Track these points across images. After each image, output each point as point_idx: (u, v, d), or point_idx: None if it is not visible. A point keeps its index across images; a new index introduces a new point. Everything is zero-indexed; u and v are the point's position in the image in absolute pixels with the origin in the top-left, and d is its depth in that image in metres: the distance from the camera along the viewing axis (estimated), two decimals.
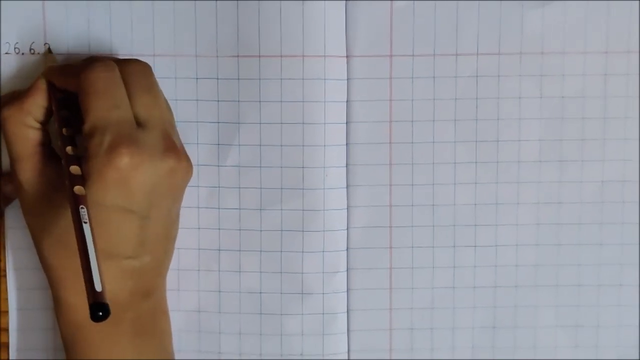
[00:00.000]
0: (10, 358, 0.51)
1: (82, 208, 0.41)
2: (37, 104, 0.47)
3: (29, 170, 0.47)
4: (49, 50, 0.50)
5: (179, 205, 0.48)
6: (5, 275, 0.51)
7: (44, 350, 0.52)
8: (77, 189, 0.43)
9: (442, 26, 0.51)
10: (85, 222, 0.41)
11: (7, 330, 0.51)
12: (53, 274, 0.46)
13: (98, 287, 0.39)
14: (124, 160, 0.43)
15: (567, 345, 0.53)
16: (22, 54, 0.50)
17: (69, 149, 0.45)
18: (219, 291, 0.52)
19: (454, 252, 0.52)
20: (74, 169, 0.44)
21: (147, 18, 0.50)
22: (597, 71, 0.51)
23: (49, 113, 0.47)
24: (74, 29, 0.50)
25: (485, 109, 0.51)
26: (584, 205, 0.52)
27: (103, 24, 0.50)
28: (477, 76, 0.51)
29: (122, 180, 0.43)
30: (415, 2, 0.50)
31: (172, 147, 0.46)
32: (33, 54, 0.50)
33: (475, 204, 0.52)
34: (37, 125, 0.47)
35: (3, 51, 0.50)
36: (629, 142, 0.51)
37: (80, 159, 0.45)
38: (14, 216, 0.51)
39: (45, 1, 0.50)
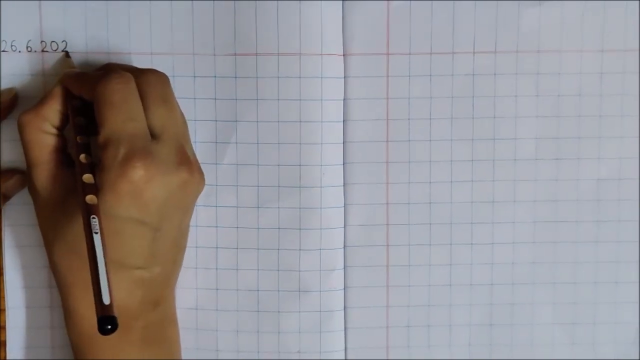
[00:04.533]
0: (7, 356, 0.51)
1: (93, 218, 0.41)
2: (54, 110, 0.47)
3: (44, 176, 0.47)
4: (67, 55, 0.50)
5: (189, 217, 0.49)
6: (3, 274, 0.51)
7: (42, 348, 0.52)
8: (89, 198, 0.43)
9: (439, 24, 0.51)
10: (96, 233, 0.41)
11: (4, 328, 0.51)
12: (63, 282, 0.46)
13: (106, 300, 0.39)
14: (138, 172, 0.43)
15: (564, 342, 0.53)
16: (19, 51, 0.50)
17: (82, 157, 0.45)
18: (217, 289, 0.52)
19: (451, 250, 0.52)
20: (87, 177, 0.44)
21: (144, 16, 0.50)
22: (593, 69, 0.51)
23: (65, 119, 0.47)
24: (71, 26, 0.50)
25: (481, 107, 0.51)
26: (581, 202, 0.52)
27: (100, 22, 0.50)
28: (473, 74, 0.51)
29: (135, 193, 0.43)
30: (412, 0, 0.50)
31: (186, 160, 0.46)
32: (30, 51, 0.50)
33: (472, 202, 0.52)
34: (54, 131, 0.47)
35: (0, 49, 0.50)
36: (625, 140, 0.52)
37: (94, 167, 0.45)
38: (11, 214, 0.51)
39: (42, 1, 0.50)
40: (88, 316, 0.45)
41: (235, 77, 0.50)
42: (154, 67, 0.50)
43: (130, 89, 0.45)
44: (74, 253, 0.45)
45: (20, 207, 0.51)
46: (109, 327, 0.38)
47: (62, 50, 0.50)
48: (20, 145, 0.50)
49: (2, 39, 0.50)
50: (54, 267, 0.46)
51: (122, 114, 0.44)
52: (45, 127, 0.47)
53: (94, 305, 0.44)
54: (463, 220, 0.52)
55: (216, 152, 0.51)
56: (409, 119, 0.51)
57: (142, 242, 0.45)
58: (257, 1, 0.50)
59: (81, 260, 0.44)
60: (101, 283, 0.39)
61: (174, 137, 0.46)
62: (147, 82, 0.46)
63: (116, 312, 0.39)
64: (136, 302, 0.46)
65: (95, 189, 0.43)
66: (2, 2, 0.50)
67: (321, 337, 0.52)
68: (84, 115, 0.47)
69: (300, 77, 0.50)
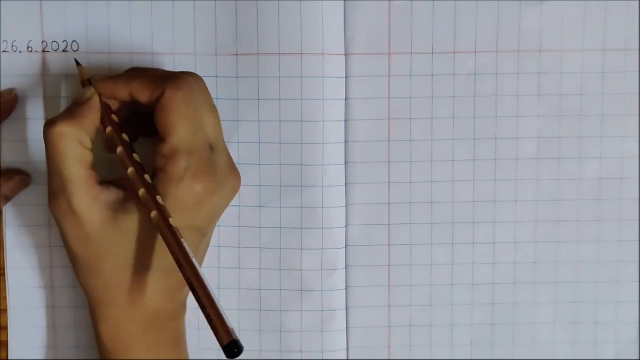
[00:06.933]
0: (9, 357, 0.51)
1: (183, 241, 0.42)
2: (94, 123, 0.45)
3: (85, 194, 0.43)
4: (77, 63, 0.49)
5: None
6: (4, 274, 0.51)
7: (44, 348, 0.52)
8: (154, 215, 0.42)
9: (441, 24, 0.51)
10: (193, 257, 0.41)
11: (6, 329, 0.51)
12: (95, 295, 0.45)
13: (230, 324, 0.39)
14: (204, 186, 0.44)
15: (565, 341, 0.53)
16: (20, 52, 0.50)
17: (135, 156, 0.44)
18: (219, 288, 0.52)
19: (453, 250, 0.52)
20: (147, 177, 0.44)
21: (146, 16, 0.50)
22: (595, 69, 0.51)
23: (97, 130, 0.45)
24: (72, 27, 0.50)
25: (483, 106, 0.51)
26: (582, 202, 0.52)
27: (101, 22, 0.50)
28: (475, 74, 0.51)
29: (197, 204, 0.44)
30: (414, 0, 0.50)
31: (234, 168, 0.47)
32: (31, 52, 0.50)
33: (474, 202, 0.52)
34: (91, 145, 0.44)
35: (1, 49, 0.50)
36: (626, 139, 0.52)
37: (142, 166, 0.44)
38: (12, 215, 0.51)
39: (43, 1, 0.50)
40: (121, 320, 0.45)
41: (237, 77, 0.50)
42: (155, 67, 0.50)
43: (198, 98, 0.44)
44: (125, 264, 0.44)
45: (21, 208, 0.51)
46: (236, 350, 0.38)
47: (68, 53, 0.50)
48: (20, 145, 0.50)
49: (2, 39, 0.50)
50: (85, 284, 0.45)
51: (193, 125, 0.44)
52: (87, 142, 0.44)
53: (126, 309, 0.43)
54: (465, 220, 0.52)
55: None
56: (410, 119, 0.51)
57: (191, 247, 0.43)
58: (259, 1, 0.50)
59: (127, 267, 0.44)
60: (220, 310, 0.39)
61: (224, 146, 0.47)
62: (198, 89, 0.45)
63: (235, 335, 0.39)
64: (174, 304, 0.46)
65: (155, 188, 0.43)
66: (3, 2, 0.50)
67: (323, 336, 0.52)
68: (116, 114, 0.46)
69: (301, 77, 0.50)
